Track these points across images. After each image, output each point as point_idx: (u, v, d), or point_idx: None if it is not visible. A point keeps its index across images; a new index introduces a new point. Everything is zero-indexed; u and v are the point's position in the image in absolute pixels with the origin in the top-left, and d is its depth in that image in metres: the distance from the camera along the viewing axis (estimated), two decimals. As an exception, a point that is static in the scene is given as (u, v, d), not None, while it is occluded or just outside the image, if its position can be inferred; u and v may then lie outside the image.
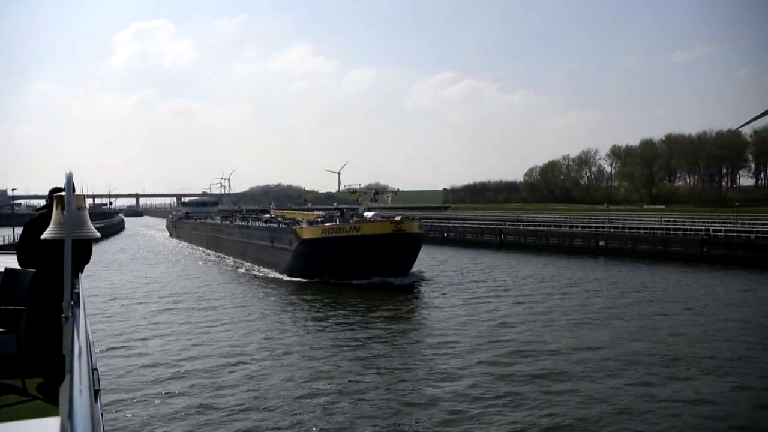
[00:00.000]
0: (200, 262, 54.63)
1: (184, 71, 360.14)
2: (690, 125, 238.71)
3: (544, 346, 20.11)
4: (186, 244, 79.00)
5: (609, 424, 13.39)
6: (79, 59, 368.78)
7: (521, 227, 66.70)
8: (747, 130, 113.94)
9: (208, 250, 65.60)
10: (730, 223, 54.15)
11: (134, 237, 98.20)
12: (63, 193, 4.30)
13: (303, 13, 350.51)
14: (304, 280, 37.70)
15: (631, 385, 15.92)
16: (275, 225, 48.60)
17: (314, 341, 21.68)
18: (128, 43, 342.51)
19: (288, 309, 28.90)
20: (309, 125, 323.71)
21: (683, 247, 48.40)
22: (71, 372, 3.22)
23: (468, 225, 74.57)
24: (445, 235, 73.32)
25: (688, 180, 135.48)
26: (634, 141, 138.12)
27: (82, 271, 6.33)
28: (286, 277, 39.74)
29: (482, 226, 71.30)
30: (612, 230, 56.49)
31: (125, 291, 34.83)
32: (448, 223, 80.00)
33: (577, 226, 61.38)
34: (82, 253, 5.72)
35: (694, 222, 57.45)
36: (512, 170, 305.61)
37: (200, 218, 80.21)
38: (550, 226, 65.26)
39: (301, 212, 63.85)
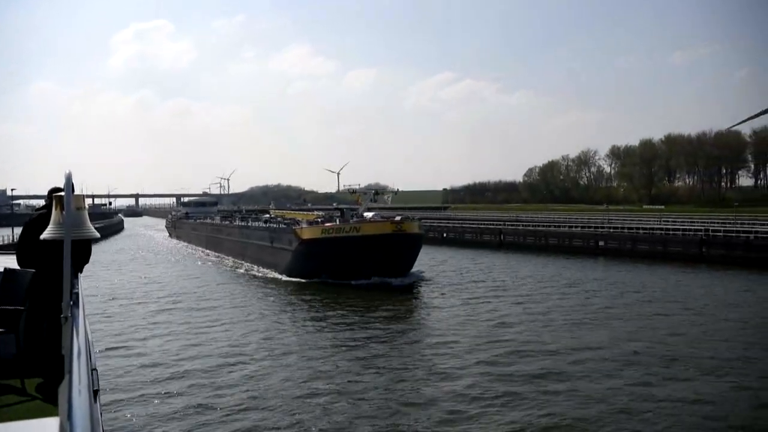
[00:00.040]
0: (199, 263, 54.63)
1: (183, 71, 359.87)
2: (690, 125, 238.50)
3: (543, 346, 20.12)
4: (185, 244, 78.99)
5: (608, 424, 13.40)
6: (78, 59, 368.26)
7: (520, 227, 66.71)
8: (746, 130, 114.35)
9: (208, 251, 65.57)
10: (730, 223, 54.20)
11: (133, 237, 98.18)
12: (62, 193, 4.31)
13: (303, 13, 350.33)
14: (303, 280, 37.72)
15: (630, 385, 15.93)
16: (275, 225, 48.57)
17: (313, 341, 21.70)
18: (128, 43, 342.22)
19: (287, 309, 28.91)
20: (308, 125, 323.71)
21: (682, 247, 48.42)
22: (70, 372, 3.23)
23: (467, 225, 74.58)
24: (445, 235, 73.32)
25: (687, 180, 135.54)
26: (634, 141, 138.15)
27: (81, 272, 6.33)
28: (285, 278, 39.76)
29: (481, 226, 71.30)
30: (611, 230, 56.50)
31: (124, 291, 34.83)
32: (448, 223, 79.99)
33: (576, 227, 61.38)
34: (82, 253, 5.73)
35: (694, 222, 57.42)
36: (512, 170, 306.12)
37: (200, 218, 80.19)
38: (549, 226, 65.27)
39: (301, 212, 63.88)
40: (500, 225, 69.75)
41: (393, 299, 30.46)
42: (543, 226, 65.87)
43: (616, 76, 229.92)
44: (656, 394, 15.26)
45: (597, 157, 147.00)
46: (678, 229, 52.32)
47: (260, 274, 43.25)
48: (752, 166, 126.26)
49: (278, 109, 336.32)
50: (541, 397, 14.98)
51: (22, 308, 5.28)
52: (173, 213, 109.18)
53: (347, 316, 26.28)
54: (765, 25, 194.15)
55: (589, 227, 59.83)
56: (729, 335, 21.85)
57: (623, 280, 36.91)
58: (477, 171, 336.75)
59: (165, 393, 15.57)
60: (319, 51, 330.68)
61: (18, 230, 7.84)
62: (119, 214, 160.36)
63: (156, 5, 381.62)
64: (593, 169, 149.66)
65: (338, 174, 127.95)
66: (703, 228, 50.70)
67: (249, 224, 55.91)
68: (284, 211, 67.06)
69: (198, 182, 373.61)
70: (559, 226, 63.92)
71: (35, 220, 5.72)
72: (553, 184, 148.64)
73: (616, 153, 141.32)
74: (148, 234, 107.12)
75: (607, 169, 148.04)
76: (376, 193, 51.27)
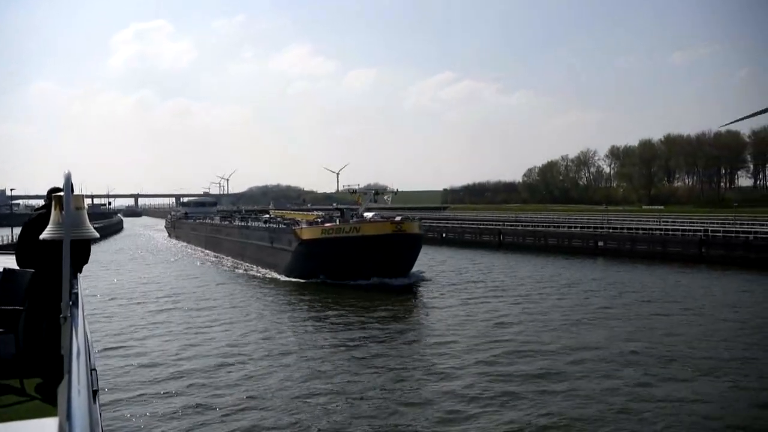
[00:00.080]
0: (199, 263, 54.60)
1: (183, 71, 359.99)
2: (690, 126, 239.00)
3: (542, 346, 20.13)
4: (185, 244, 78.96)
5: (606, 423, 13.41)
6: (78, 59, 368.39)
7: (520, 228, 66.76)
8: (745, 131, 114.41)
9: (207, 251, 65.56)
10: (729, 223, 54.21)
11: (133, 237, 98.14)
12: (62, 193, 4.32)
13: (302, 13, 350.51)
14: (303, 280, 37.72)
15: (628, 385, 15.94)
16: (275, 225, 48.55)
17: (312, 341, 21.70)
18: (128, 43, 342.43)
19: (286, 309, 28.92)
20: (308, 125, 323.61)
21: (682, 247, 48.46)
22: (69, 372, 3.24)
23: (467, 225, 74.63)
24: (444, 235, 73.37)
25: (686, 180, 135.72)
26: (634, 141, 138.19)
27: (80, 272, 6.35)
28: (285, 278, 39.75)
29: (481, 226, 71.35)
30: (610, 231, 56.54)
31: (124, 291, 34.82)
32: (447, 223, 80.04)
33: (575, 227, 61.41)
34: (81, 253, 5.74)
35: (693, 222, 57.46)
36: (511, 171, 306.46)
37: (199, 218, 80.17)
38: (548, 226, 65.30)
39: (301, 212, 63.90)
40: (499, 225, 69.81)
41: (392, 299, 30.46)
42: (542, 226, 65.89)
43: (616, 76, 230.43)
44: (655, 394, 15.28)
45: (596, 158, 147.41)
46: (677, 230, 52.35)
47: (260, 275, 43.24)
48: (751, 166, 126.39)
49: (278, 109, 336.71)
50: (540, 397, 15.00)
51: (22, 308, 5.28)
52: (173, 213, 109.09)
53: (346, 316, 26.28)
54: (765, 25, 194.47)
55: (589, 227, 59.86)
56: (728, 335, 21.86)
57: (622, 281, 36.92)
58: (476, 171, 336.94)
59: (164, 393, 15.57)
60: (319, 51, 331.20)
61: (17, 230, 7.84)
62: (119, 214, 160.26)
63: (156, 5, 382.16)
64: (592, 170, 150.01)
65: (338, 174, 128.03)
66: (702, 228, 50.72)
67: (248, 224, 55.88)
68: (284, 212, 67.05)
69: (198, 182, 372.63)
70: (558, 227, 63.96)
71: (34, 220, 5.73)
72: (553, 184, 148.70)
73: (615, 153, 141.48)
74: (147, 234, 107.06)
75: (607, 170, 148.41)
76: (376, 193, 51.21)
